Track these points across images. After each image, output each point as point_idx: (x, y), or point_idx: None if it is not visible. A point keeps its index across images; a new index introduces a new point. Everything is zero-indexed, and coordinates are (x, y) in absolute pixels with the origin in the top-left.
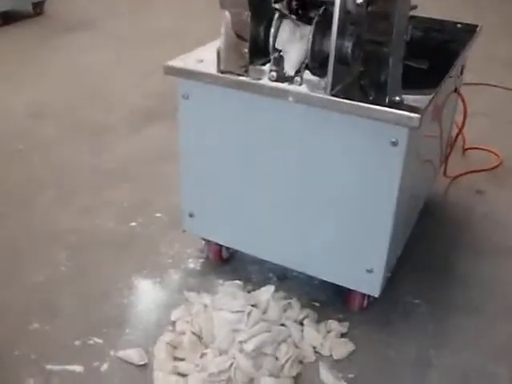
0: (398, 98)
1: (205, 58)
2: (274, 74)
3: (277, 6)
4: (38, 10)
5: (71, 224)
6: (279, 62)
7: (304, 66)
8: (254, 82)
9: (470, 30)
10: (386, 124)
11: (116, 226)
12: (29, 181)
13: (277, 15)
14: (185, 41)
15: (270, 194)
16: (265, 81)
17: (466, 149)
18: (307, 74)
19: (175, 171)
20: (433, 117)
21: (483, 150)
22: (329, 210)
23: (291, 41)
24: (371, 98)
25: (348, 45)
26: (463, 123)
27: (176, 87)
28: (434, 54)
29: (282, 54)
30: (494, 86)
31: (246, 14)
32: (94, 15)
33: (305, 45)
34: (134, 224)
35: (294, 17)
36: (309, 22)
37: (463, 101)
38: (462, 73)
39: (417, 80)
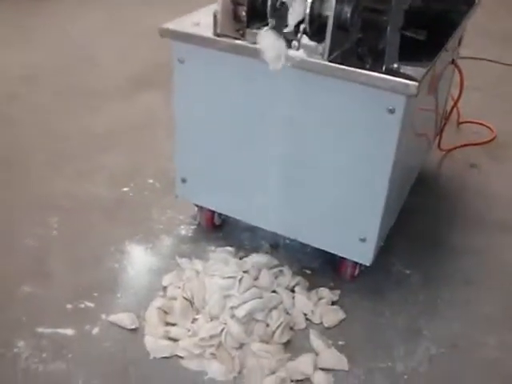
0: (395, 66)
1: (201, 21)
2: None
3: None
4: None
5: (62, 188)
6: (278, 23)
7: (302, 30)
8: (251, 45)
9: (469, 1)
10: (384, 91)
11: (108, 191)
12: (19, 145)
13: None
14: (180, 4)
15: (264, 160)
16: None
17: (461, 122)
18: (305, 39)
19: (168, 137)
20: (429, 87)
21: (478, 123)
22: (323, 177)
23: (291, 1)
24: (368, 66)
25: (347, 10)
26: (459, 95)
27: (171, 51)
28: (433, 24)
29: (280, 13)
30: (490, 60)
31: None
32: None
33: (303, 5)
34: (126, 189)
35: None
36: None
37: (460, 72)
38: (459, 44)
39: (415, 50)
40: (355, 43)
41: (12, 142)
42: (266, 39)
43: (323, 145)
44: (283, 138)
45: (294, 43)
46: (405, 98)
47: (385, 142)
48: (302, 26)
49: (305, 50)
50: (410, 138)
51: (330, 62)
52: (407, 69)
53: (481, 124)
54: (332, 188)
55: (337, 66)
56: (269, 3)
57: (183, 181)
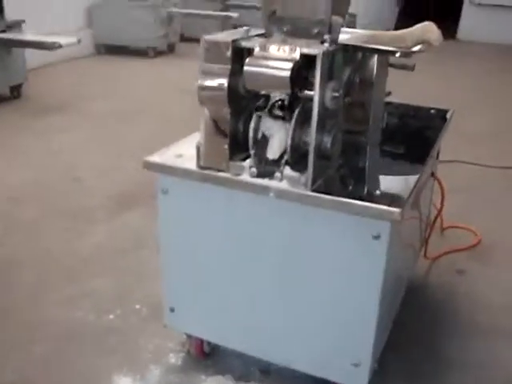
0: (378, 192)
1: (184, 152)
2: (254, 169)
3: (257, 113)
4: (15, 93)
5: (48, 315)
6: (259, 157)
7: (284, 161)
8: (235, 178)
9: (442, 116)
10: (368, 218)
11: (95, 318)
12: (6, 268)
13: (256, 113)
14: (160, 119)
15: (252, 288)
16: (245, 177)
17: (445, 228)
18: (288, 170)
19: (154, 259)
20: (413, 205)
21: (461, 228)
22: (312, 304)
23: (271, 133)
24: (350, 188)
25: (327, 140)
26: (441, 206)
27: (155, 182)
28: (410, 140)
29: (262, 146)
30: (468, 162)
31: (226, 111)
32: (71, 97)
33: (284, 139)
34: (112, 316)
35: (273, 116)
36: (288, 118)
37: (440, 184)
38: (437, 157)
39: (395, 167)
40: (337, 168)
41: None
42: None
43: (311, 272)
44: (271, 266)
45: (277, 174)
46: (389, 223)
47: (372, 267)
48: (284, 157)
49: (288, 180)
50: (397, 257)
51: (313, 191)
52: (390, 189)
53: (465, 228)
54: (322, 314)
55: (320, 196)
56: (250, 135)
57: (171, 310)
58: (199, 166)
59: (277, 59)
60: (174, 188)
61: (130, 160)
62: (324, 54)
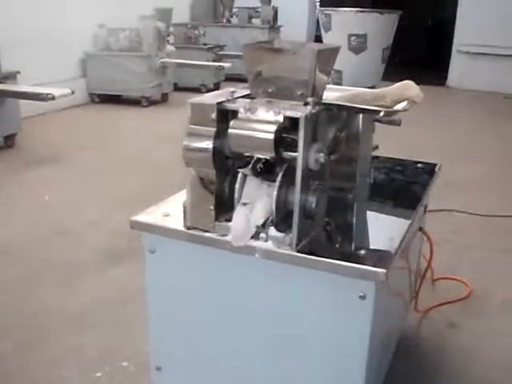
0: (364, 251)
1: (171, 211)
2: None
3: (241, 170)
4: (9, 142)
5: (33, 375)
6: None
7: (269, 222)
8: (220, 238)
9: (430, 170)
10: (353, 278)
11: (81, 377)
12: None
13: (241, 174)
14: (152, 169)
15: (240, 348)
16: (231, 237)
17: (436, 279)
18: (273, 230)
19: (142, 315)
20: (400, 261)
21: (452, 279)
22: (299, 364)
23: (255, 197)
24: (337, 246)
25: (312, 200)
26: (430, 259)
27: (142, 241)
28: (397, 195)
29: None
30: (458, 211)
31: (211, 172)
32: (64, 147)
33: (269, 202)
34: (99, 374)
35: (258, 177)
36: (273, 179)
37: (429, 239)
38: (425, 211)
39: (383, 222)
40: (323, 226)
41: None
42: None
43: (297, 332)
44: (257, 326)
45: (262, 235)
46: (375, 284)
47: (358, 327)
48: (269, 219)
49: (273, 241)
50: (384, 315)
51: (298, 252)
52: (377, 248)
53: (455, 279)
54: (309, 376)
55: (305, 256)
56: (235, 196)
57: (158, 369)
58: (186, 226)
59: (261, 122)
60: (161, 247)
61: (120, 212)
62: (306, 117)
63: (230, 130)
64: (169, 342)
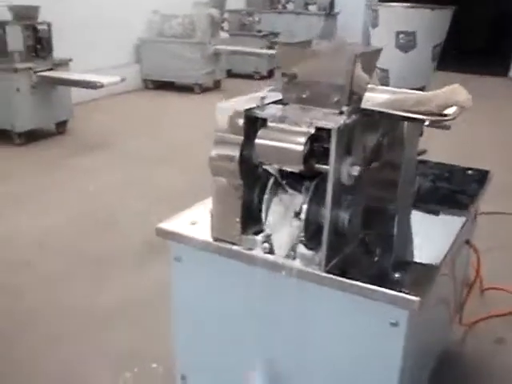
0: (397, 275)
1: (198, 219)
2: (266, 245)
3: (272, 185)
4: (60, 129)
5: (57, 373)
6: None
7: (298, 239)
8: (247, 252)
9: (481, 178)
10: (385, 304)
11: (109, 378)
12: (20, 318)
13: (270, 185)
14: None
15: (265, 363)
16: (258, 251)
17: (485, 289)
18: (301, 247)
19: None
20: (441, 281)
21: (503, 290)
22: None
23: (284, 218)
24: (372, 264)
25: (344, 217)
26: (478, 271)
27: (169, 249)
28: (444, 205)
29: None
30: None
31: (238, 183)
32: (114, 135)
33: (297, 223)
34: (129, 375)
35: (288, 188)
36: (305, 192)
37: (476, 252)
38: (475, 219)
39: (426, 235)
40: (359, 239)
41: (12, 314)
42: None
43: (324, 354)
44: (283, 343)
45: (290, 252)
46: (408, 311)
47: (389, 355)
48: (298, 235)
49: (301, 259)
50: (419, 339)
51: (328, 272)
52: (416, 269)
53: (506, 290)
54: None
55: (334, 277)
56: (263, 209)
57: (183, 378)
58: (212, 237)
59: (291, 132)
60: (187, 256)
61: (164, 205)
62: (339, 129)
63: (257, 140)
64: (194, 351)
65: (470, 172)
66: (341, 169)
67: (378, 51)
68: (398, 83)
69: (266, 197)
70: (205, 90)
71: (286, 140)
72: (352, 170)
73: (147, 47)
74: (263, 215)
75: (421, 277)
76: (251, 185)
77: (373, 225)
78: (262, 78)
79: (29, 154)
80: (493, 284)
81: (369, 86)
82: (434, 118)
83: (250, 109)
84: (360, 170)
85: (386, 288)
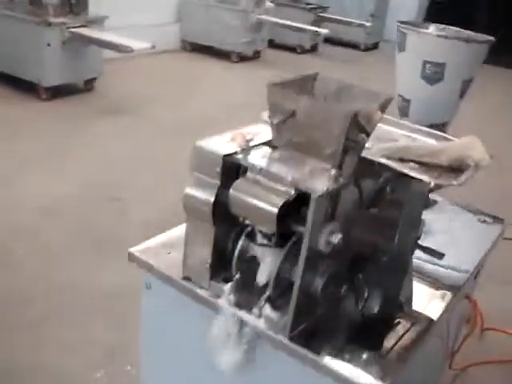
0: (365, 356)
1: (177, 246)
2: (232, 297)
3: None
4: (88, 86)
5: (41, 360)
6: (242, 283)
7: (266, 297)
8: (212, 300)
9: (494, 226)
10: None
11: (84, 372)
12: (14, 294)
13: (244, 235)
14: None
15: None
16: (223, 301)
17: (486, 329)
18: (267, 308)
19: None
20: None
21: (505, 333)
22: None
23: (254, 271)
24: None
25: (318, 283)
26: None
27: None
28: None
29: (246, 272)
30: None
31: (211, 228)
32: (141, 98)
33: (268, 279)
34: (99, 375)
35: (262, 242)
36: (280, 247)
37: (475, 308)
38: (476, 276)
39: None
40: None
41: (6, 288)
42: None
43: None
44: None
45: (255, 310)
46: None
47: None
48: (266, 293)
49: (266, 319)
50: None
51: (291, 339)
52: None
53: (506, 332)
54: None
55: (295, 347)
56: (234, 259)
57: None
58: (183, 275)
59: (268, 189)
60: (156, 286)
61: (177, 182)
62: (320, 198)
63: (231, 191)
64: (158, 378)
65: (483, 218)
66: (318, 237)
67: (388, 101)
68: (418, 116)
69: (238, 247)
70: (243, 58)
71: (261, 197)
72: (332, 238)
73: (189, 8)
74: (233, 265)
75: (394, 357)
76: (225, 231)
77: (367, 269)
78: (304, 51)
79: (52, 110)
80: (494, 325)
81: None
82: (437, 182)
83: (230, 154)
84: (340, 239)
85: (355, 364)
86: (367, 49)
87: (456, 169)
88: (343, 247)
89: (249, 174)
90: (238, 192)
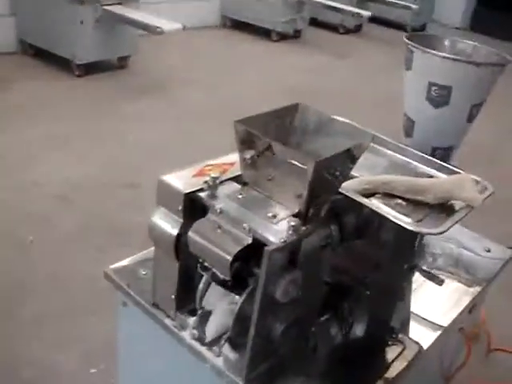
0: None
1: (148, 269)
2: (195, 332)
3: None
4: (122, 63)
5: (31, 355)
6: (204, 320)
7: (227, 337)
8: (176, 331)
9: (499, 259)
10: None
11: (78, 368)
12: (14, 285)
13: (204, 278)
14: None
15: None
16: (187, 334)
17: (493, 349)
18: (226, 347)
19: None
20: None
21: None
22: None
23: (217, 309)
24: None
25: (278, 329)
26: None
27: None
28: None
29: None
30: None
31: (174, 260)
32: (175, 78)
33: (228, 318)
34: (94, 370)
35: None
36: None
37: (467, 341)
38: (470, 311)
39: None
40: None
41: (12, 280)
42: None
43: None
44: None
45: (215, 348)
46: None
47: None
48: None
49: (225, 359)
50: None
51: (249, 381)
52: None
53: None
54: None
55: None
56: (197, 297)
57: None
58: (152, 302)
59: (227, 234)
60: (130, 304)
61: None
62: (273, 252)
63: (189, 233)
64: None
65: (488, 247)
66: (275, 287)
67: (363, 147)
68: (422, 138)
69: (200, 285)
70: (283, 37)
71: (218, 242)
72: (290, 288)
73: None
74: (197, 299)
75: None
76: (189, 265)
77: (354, 297)
78: (348, 31)
79: (84, 86)
80: (502, 347)
81: (372, 142)
82: (416, 230)
83: (193, 192)
84: (299, 291)
85: None
86: (414, 30)
87: (447, 207)
88: (309, 293)
89: (209, 214)
90: (197, 234)
